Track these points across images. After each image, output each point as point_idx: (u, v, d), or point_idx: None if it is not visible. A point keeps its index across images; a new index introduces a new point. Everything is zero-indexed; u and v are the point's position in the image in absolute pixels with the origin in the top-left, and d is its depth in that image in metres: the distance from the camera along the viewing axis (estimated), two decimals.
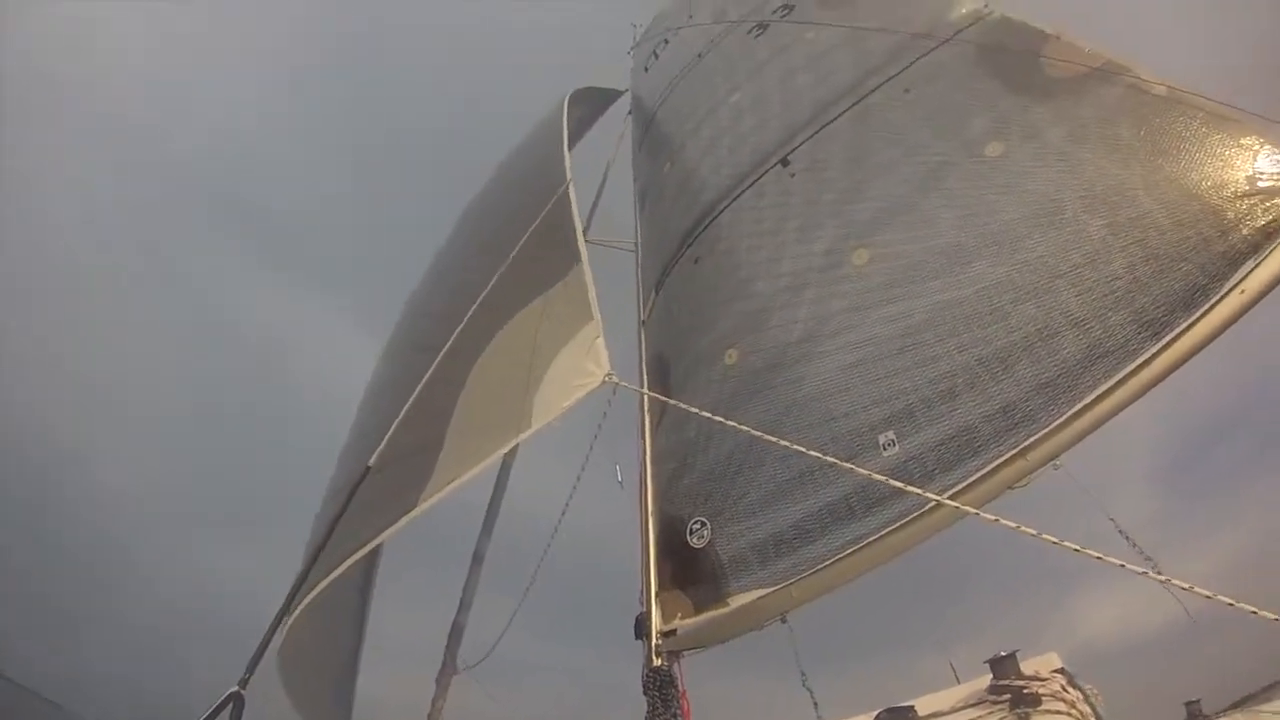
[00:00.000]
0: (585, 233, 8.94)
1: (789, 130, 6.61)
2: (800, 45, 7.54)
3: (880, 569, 4.23)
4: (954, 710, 3.05)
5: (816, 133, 6.28)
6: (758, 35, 8.50)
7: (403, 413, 6.03)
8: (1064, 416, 3.91)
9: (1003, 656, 3.18)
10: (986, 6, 6.15)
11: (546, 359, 4.60)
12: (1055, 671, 3.21)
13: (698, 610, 4.61)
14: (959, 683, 4.20)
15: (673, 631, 4.62)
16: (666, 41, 11.39)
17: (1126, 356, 3.86)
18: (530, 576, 6.92)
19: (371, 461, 5.44)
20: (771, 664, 4.86)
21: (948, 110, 5.57)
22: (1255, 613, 2.55)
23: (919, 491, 3.42)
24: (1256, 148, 4.05)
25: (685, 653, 4.60)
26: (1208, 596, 2.66)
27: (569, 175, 6.28)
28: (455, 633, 6.73)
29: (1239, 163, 4.06)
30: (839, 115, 6.23)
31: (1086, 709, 3.19)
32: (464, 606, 6.98)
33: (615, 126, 11.09)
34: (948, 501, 3.33)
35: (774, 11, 8.56)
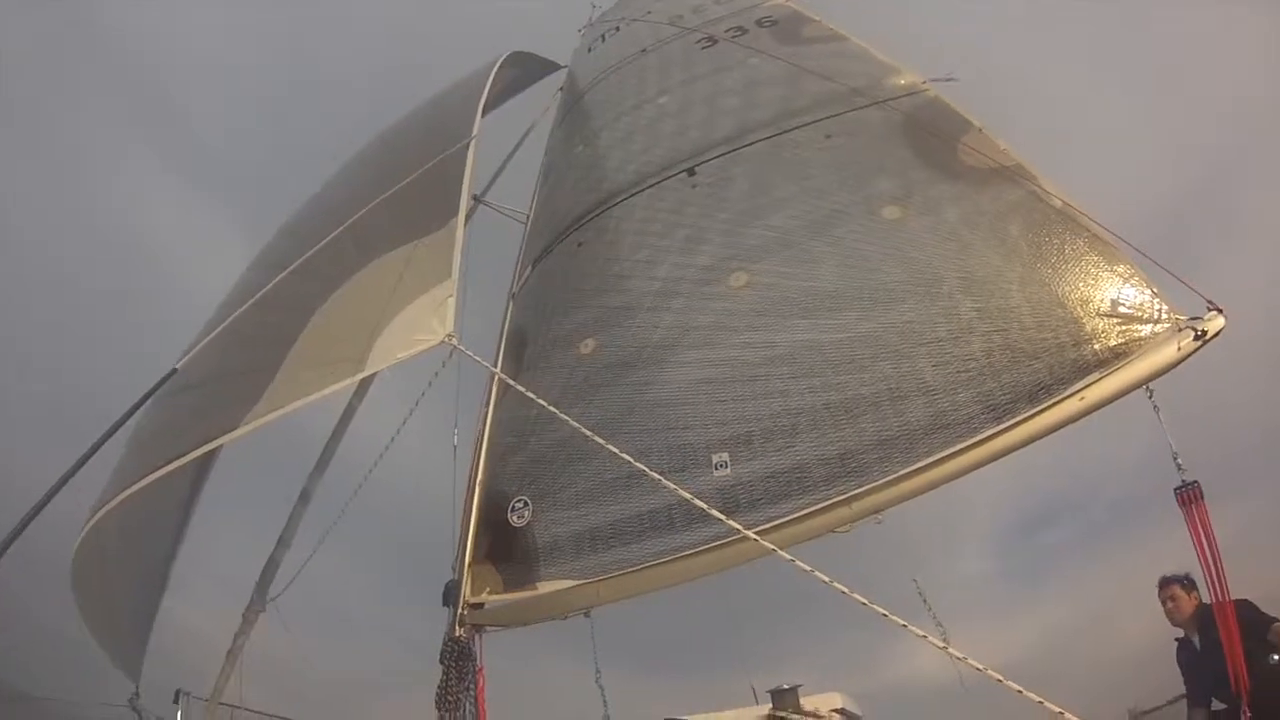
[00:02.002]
0: (483, 194, 8.99)
1: (704, 144, 6.85)
2: (741, 68, 7.83)
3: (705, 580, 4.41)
4: None
5: (730, 153, 6.54)
6: (705, 48, 8.77)
7: (226, 322, 5.84)
8: (896, 475, 4.20)
9: (785, 689, 3.28)
10: (925, 84, 6.53)
11: (396, 306, 4.63)
12: (834, 711, 3.32)
13: (507, 588, 4.72)
14: (756, 704, 4.36)
15: (480, 605, 4.71)
16: (617, 29, 11.59)
17: (967, 432, 4.20)
18: (339, 513, 6.96)
19: (179, 364, 5.48)
20: (579, 656, 5.09)
21: (859, 165, 5.94)
22: (1020, 691, 2.69)
23: (721, 518, 3.58)
24: (1126, 277, 4.53)
25: (488, 628, 4.70)
26: (978, 669, 2.81)
27: (475, 133, 6.33)
28: (269, 568, 6.67)
29: (1107, 286, 4.52)
30: (756, 141, 6.52)
31: None
32: (282, 543, 6.89)
33: (546, 98, 11.13)
34: (750, 534, 3.48)
35: (727, 30, 8.85)
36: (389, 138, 8.98)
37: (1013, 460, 4.27)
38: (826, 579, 3.05)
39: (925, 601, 4.72)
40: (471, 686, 4.49)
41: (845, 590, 3.03)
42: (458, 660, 4.48)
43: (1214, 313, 4.14)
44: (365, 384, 7.29)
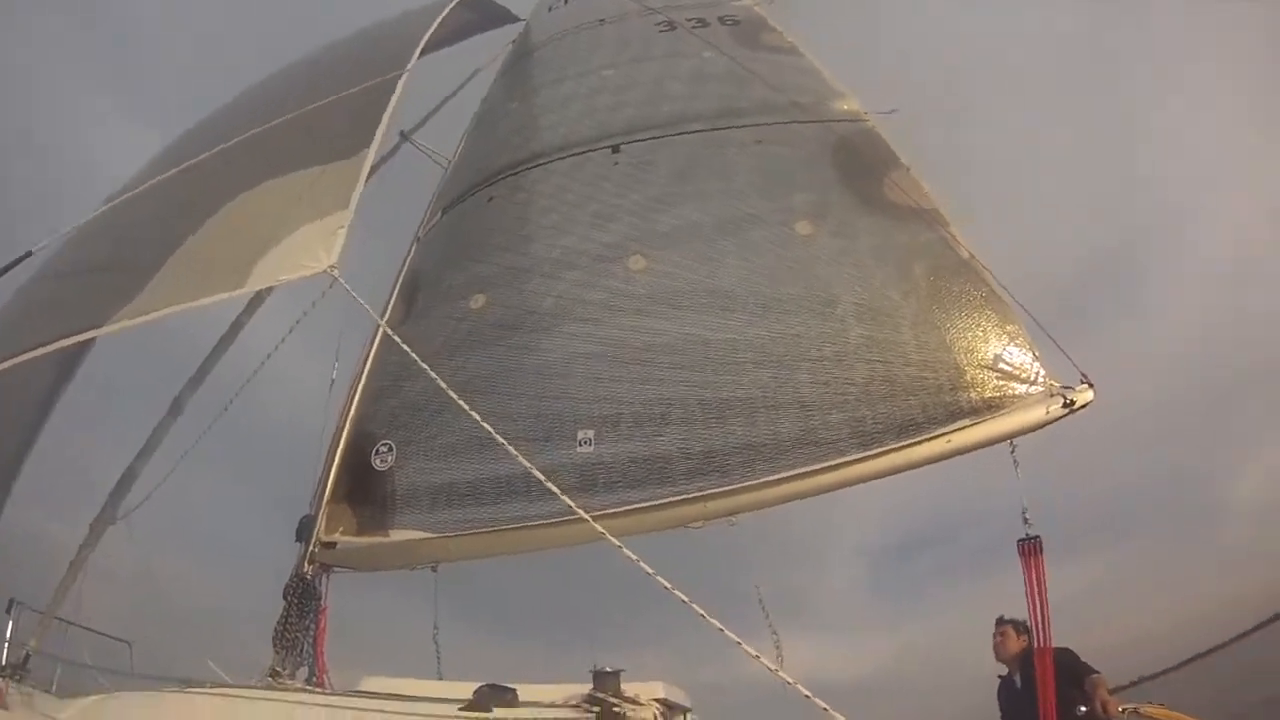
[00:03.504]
0: (411, 132, 8.83)
1: (637, 124, 6.93)
2: (692, 59, 7.93)
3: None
4: (548, 705, 3.13)
5: (660, 138, 6.65)
6: (662, 31, 8.84)
7: (101, 211, 5.59)
8: (756, 481, 4.40)
9: (607, 672, 3.33)
10: (865, 114, 6.75)
11: (287, 227, 4.56)
12: (655, 700, 3.38)
13: (360, 531, 4.76)
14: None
15: (332, 545, 4.74)
16: None
17: (833, 453, 4.42)
18: (205, 429, 6.72)
19: (34, 248, 5.29)
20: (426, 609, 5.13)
21: (784, 176, 6.12)
22: (825, 709, 2.78)
23: (556, 492, 3.57)
24: (1013, 336, 4.83)
25: (336, 569, 4.74)
26: (787, 681, 2.91)
27: (409, 66, 6.26)
28: (125, 479, 6.33)
29: (994, 341, 4.81)
30: (689, 132, 6.64)
31: None
32: (143, 453, 6.51)
33: (498, 48, 11.01)
34: (583, 515, 3.51)
35: (689, 19, 8.92)
36: (320, 57, 8.71)
37: (892, 485, 4.56)
38: (650, 570, 3.12)
39: (764, 610, 4.90)
40: (312, 626, 4.49)
41: (666, 584, 3.10)
42: (301, 598, 4.48)
43: (1085, 386, 4.46)
44: (256, 301, 7.07)
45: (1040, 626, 4.23)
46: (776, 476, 4.37)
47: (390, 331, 4.68)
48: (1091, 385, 4.47)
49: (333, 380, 5.89)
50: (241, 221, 4.91)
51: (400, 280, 6.37)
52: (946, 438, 4.42)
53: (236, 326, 7.39)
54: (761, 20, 8.94)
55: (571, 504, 3.51)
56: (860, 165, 6.08)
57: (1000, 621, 5.49)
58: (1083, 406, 4.43)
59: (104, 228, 5.59)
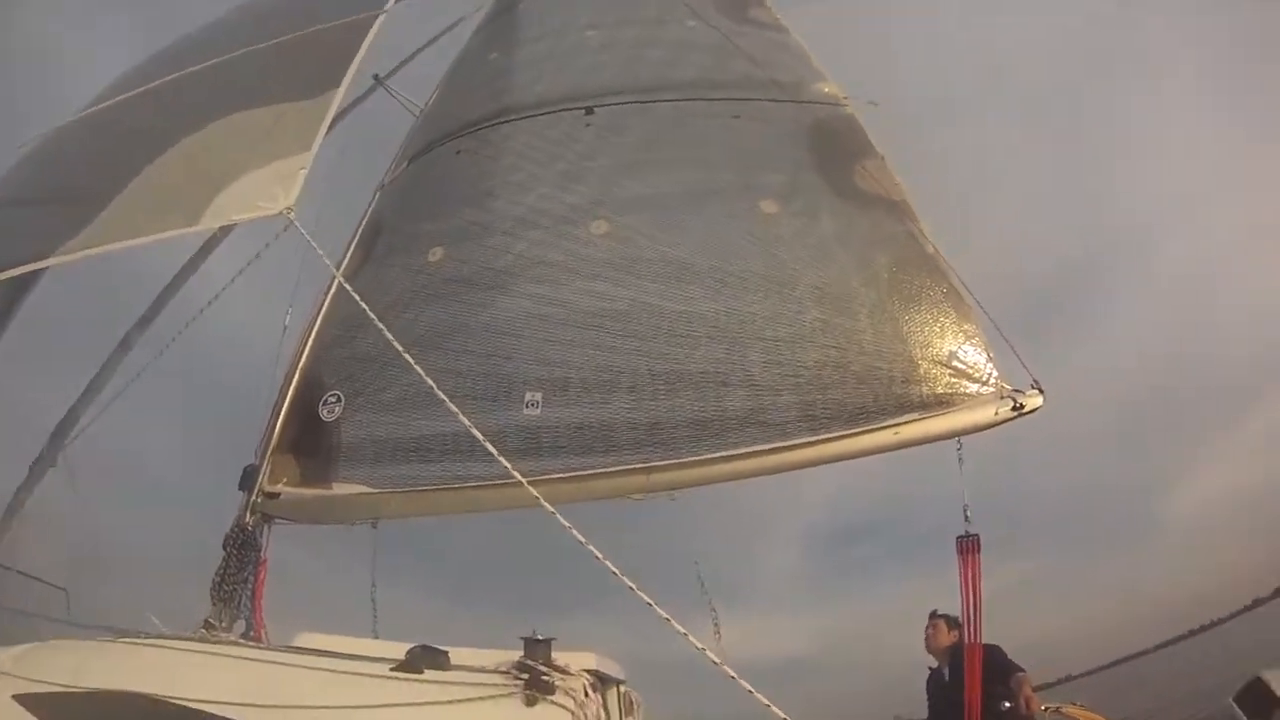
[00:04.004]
0: (386, 78, 8.68)
1: (613, 87, 6.87)
2: (675, 27, 7.86)
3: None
4: (477, 669, 3.11)
5: (634, 103, 6.60)
6: None
7: (53, 132, 5.41)
8: (701, 457, 4.39)
9: (538, 639, 3.32)
10: (846, 99, 6.73)
11: (247, 165, 4.49)
12: (586, 670, 3.38)
13: (303, 482, 4.69)
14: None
15: (275, 495, 4.67)
16: None
17: (780, 435, 4.42)
18: (148, 363, 6.59)
19: None
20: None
21: (755, 153, 6.10)
22: (768, 707, 2.78)
23: (494, 452, 3.53)
24: (969, 335, 4.87)
25: (278, 520, 4.68)
26: (715, 662, 2.92)
27: (388, 6, 6.16)
28: (68, 419, 6.17)
29: (950, 338, 4.84)
30: (664, 100, 6.59)
31: (600, 713, 3.37)
32: (89, 391, 6.36)
33: None
34: (519, 478, 3.47)
35: None
36: None
37: (844, 470, 4.63)
38: (582, 539, 3.11)
39: (702, 587, 4.94)
40: (251, 578, 4.44)
41: (598, 554, 3.09)
42: (241, 549, 4.43)
43: (1035, 391, 4.50)
44: (213, 240, 6.92)
45: (972, 623, 4.31)
46: (721, 454, 4.37)
47: (342, 280, 4.63)
48: (1042, 391, 4.51)
49: (285, 326, 5.86)
50: (199, 156, 4.80)
51: (361, 228, 6.28)
52: (894, 429, 4.45)
53: (191, 265, 7.24)
54: None
55: (508, 465, 3.46)
56: (835, 150, 6.07)
57: (933, 615, 5.67)
58: (1031, 411, 4.47)
59: (54, 153, 5.45)
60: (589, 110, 6.51)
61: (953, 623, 5.46)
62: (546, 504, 3.32)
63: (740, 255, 5.13)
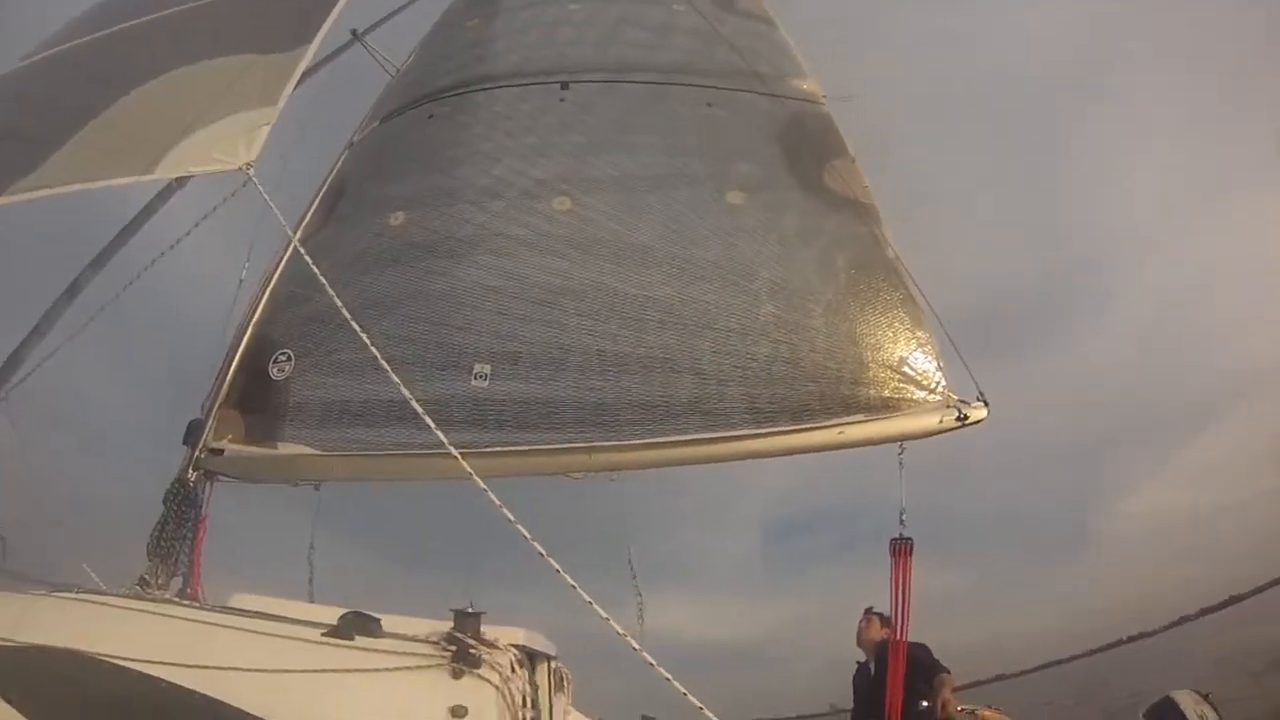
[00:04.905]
0: (364, 33, 8.56)
1: (591, 64, 6.86)
2: (660, 10, 7.83)
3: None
4: (409, 638, 3.14)
5: (610, 82, 6.59)
6: None
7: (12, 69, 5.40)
8: (643, 441, 4.47)
9: (469, 612, 3.35)
10: (823, 97, 6.76)
11: (210, 115, 4.41)
12: (513, 645, 3.43)
13: (248, 439, 4.69)
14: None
15: (220, 451, 4.65)
16: None
17: (724, 424, 4.50)
18: (99, 310, 6.27)
19: None
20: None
21: (726, 143, 6.12)
22: (684, 695, 2.82)
23: (431, 425, 3.56)
24: (921, 343, 4.94)
25: (220, 477, 4.67)
26: (634, 648, 2.96)
27: None
28: (10, 362, 5.89)
29: (902, 344, 4.92)
30: (640, 81, 6.59)
31: (526, 688, 3.42)
32: (35, 333, 6.08)
33: None
34: (453, 451, 3.50)
35: None
36: None
37: (791, 465, 4.75)
38: (510, 517, 3.15)
39: (632, 571, 5.01)
40: (190, 535, 4.41)
41: (525, 533, 3.12)
42: (181, 505, 4.40)
43: (980, 404, 4.60)
44: (172, 188, 6.76)
45: (900, 621, 4.39)
46: (663, 439, 4.44)
47: (297, 244, 4.60)
48: (987, 404, 4.60)
49: (241, 280, 5.76)
50: (162, 101, 4.69)
51: (325, 186, 6.22)
52: (839, 429, 4.54)
53: (148, 211, 7.08)
54: None
55: (442, 437, 3.51)
56: (806, 147, 6.10)
57: (867, 611, 5.82)
58: (975, 422, 4.57)
59: (8, 91, 5.28)
60: (564, 85, 6.49)
61: (884, 620, 5.58)
62: (478, 478, 3.35)
63: (700, 244, 5.17)
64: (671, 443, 4.45)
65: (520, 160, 5.80)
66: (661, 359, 4.63)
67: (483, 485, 3.28)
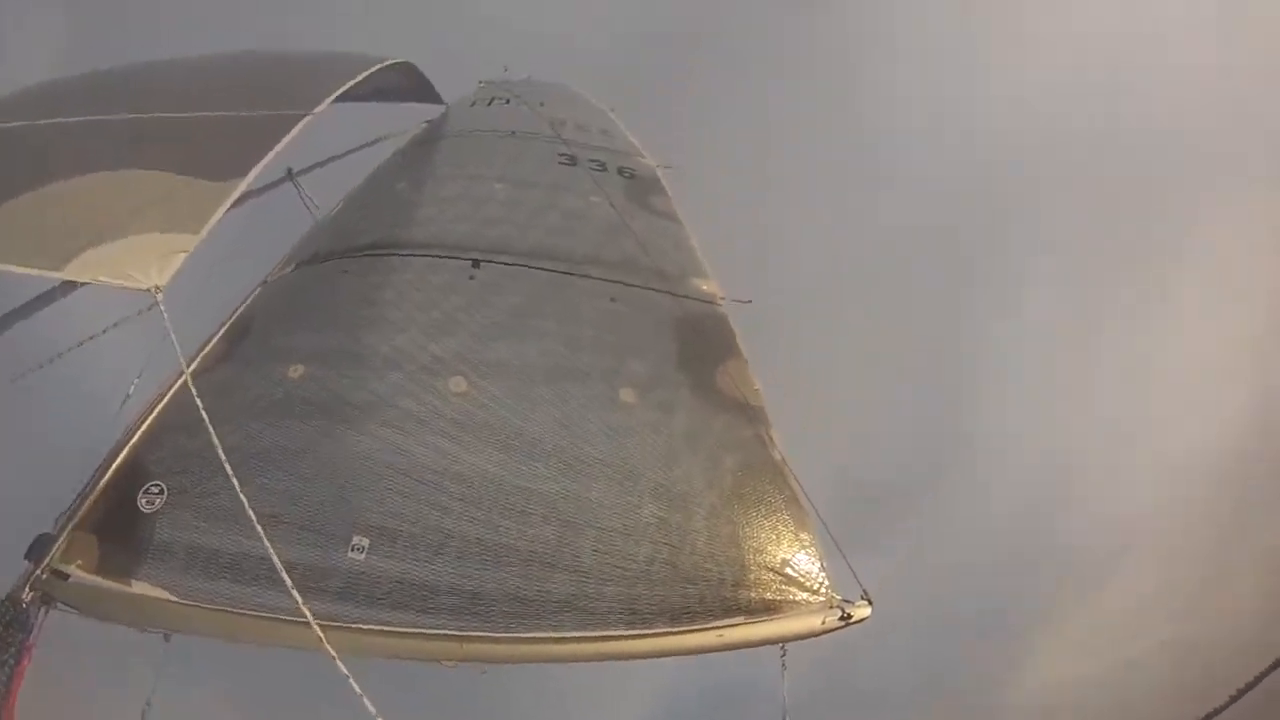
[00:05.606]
0: (298, 174, 8.74)
1: (504, 245, 7.14)
2: (578, 198, 8.31)
3: None
4: None
5: (520, 266, 6.84)
6: (563, 163, 9.23)
7: None
8: (516, 635, 4.40)
9: None
10: (723, 300, 7.18)
11: (133, 226, 4.46)
12: None
13: (99, 570, 4.32)
14: None
15: (65, 576, 4.26)
16: (508, 101, 12.00)
17: (600, 624, 4.48)
18: None
19: None
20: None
21: (624, 339, 6.36)
22: None
23: (297, 599, 3.56)
24: (805, 544, 5.10)
25: (60, 605, 4.24)
26: None
27: (317, 110, 6.30)
28: None
29: (785, 545, 5.06)
30: (549, 270, 6.89)
31: None
32: None
33: (411, 122, 11.34)
34: (313, 621, 3.48)
35: (591, 160, 9.38)
36: (239, 61, 8.60)
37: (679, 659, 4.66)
38: (359, 690, 3.09)
39: None
40: (11, 662, 3.94)
41: (373, 710, 3.06)
42: (6, 625, 3.97)
43: (865, 603, 4.76)
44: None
45: None
46: (538, 634, 4.38)
47: (190, 383, 4.44)
48: (870, 603, 4.76)
49: (127, 395, 5.63)
50: (91, 197, 4.70)
51: (233, 320, 6.12)
52: (719, 632, 4.58)
53: (50, 295, 6.85)
54: (655, 181, 9.51)
55: (305, 609, 3.46)
56: (701, 347, 6.41)
57: None
58: (860, 621, 4.72)
59: None
60: (476, 264, 6.68)
61: None
62: (331, 651, 3.31)
63: (589, 440, 5.26)
64: (546, 639, 4.39)
65: (423, 334, 5.85)
66: (541, 553, 4.61)
67: (334, 655, 3.22)
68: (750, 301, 7.44)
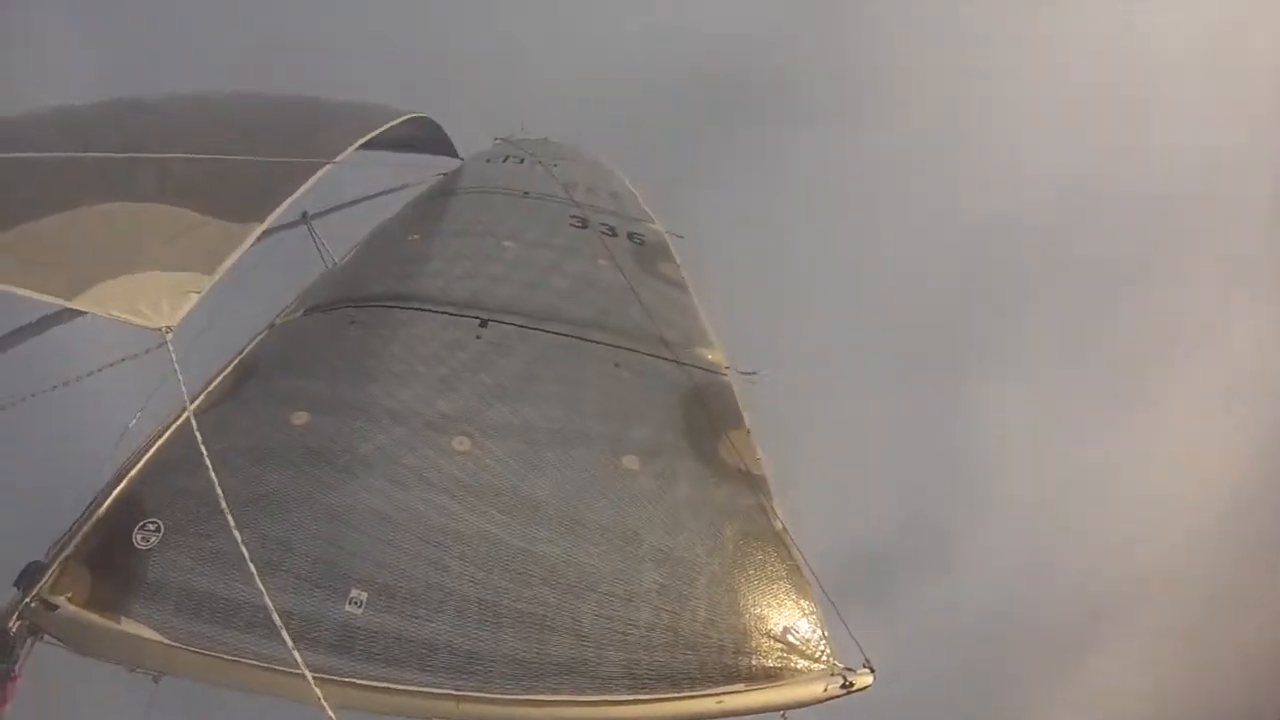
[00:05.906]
0: (313, 217, 8.89)
1: (512, 305, 7.21)
2: (587, 262, 8.44)
3: None
4: None
5: (527, 328, 6.91)
6: (574, 226, 9.43)
7: None
8: (514, 696, 4.34)
9: None
10: (728, 370, 7.26)
11: (148, 262, 4.45)
12: None
13: (89, 604, 4.22)
14: None
15: (54, 607, 4.15)
16: (522, 161, 12.31)
17: (599, 688, 4.45)
18: None
19: None
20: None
21: (628, 405, 6.41)
22: None
23: (290, 646, 3.54)
24: (806, 612, 5.09)
25: (47, 637, 4.14)
26: None
27: (338, 159, 6.46)
28: None
29: (787, 613, 5.05)
30: (555, 333, 6.96)
31: None
32: None
33: (427, 174, 11.56)
34: (308, 674, 3.43)
35: (601, 224, 9.59)
36: (262, 104, 8.80)
37: None
38: None
39: None
40: None
41: None
42: None
43: (866, 671, 4.73)
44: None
45: None
46: (535, 697, 4.33)
47: (194, 422, 4.42)
48: (873, 670, 4.74)
49: (129, 427, 5.61)
50: (110, 226, 4.72)
51: (238, 359, 6.14)
52: (718, 699, 4.55)
53: (53, 318, 6.87)
54: (665, 248, 9.65)
55: (301, 661, 3.42)
56: (705, 417, 6.43)
57: None
58: (861, 689, 4.69)
59: None
60: (483, 323, 6.75)
61: None
62: (328, 707, 3.27)
63: (591, 505, 5.27)
64: (543, 702, 4.33)
65: (429, 390, 5.89)
66: (540, 616, 4.58)
67: (331, 714, 3.17)
68: (756, 373, 7.49)
